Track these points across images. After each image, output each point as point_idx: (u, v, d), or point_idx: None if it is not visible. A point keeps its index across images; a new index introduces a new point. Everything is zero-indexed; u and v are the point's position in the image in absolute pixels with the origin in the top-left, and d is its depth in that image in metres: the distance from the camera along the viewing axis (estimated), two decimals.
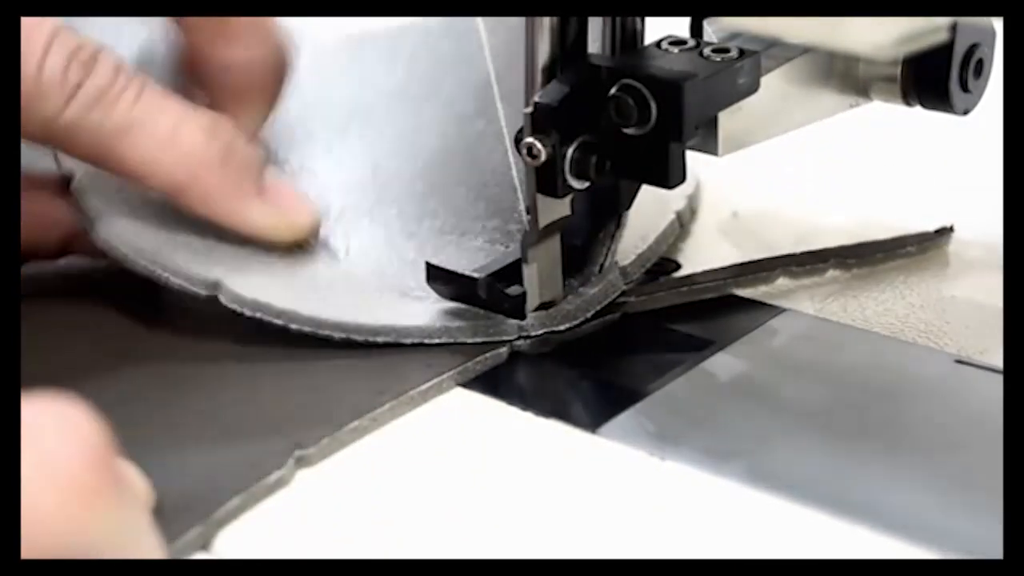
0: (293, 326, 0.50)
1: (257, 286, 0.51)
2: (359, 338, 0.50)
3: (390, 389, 0.48)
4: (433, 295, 0.52)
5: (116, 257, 0.51)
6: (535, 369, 0.51)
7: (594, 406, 0.50)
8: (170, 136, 0.50)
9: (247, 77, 0.54)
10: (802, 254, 0.56)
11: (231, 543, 0.43)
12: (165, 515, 0.41)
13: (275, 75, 0.55)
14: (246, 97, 0.55)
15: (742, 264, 0.55)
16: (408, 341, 0.51)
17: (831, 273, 0.56)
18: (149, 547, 0.37)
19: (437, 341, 0.51)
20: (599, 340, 0.53)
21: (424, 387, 0.49)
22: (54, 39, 0.48)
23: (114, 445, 0.37)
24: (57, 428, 0.36)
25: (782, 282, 0.56)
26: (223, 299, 0.50)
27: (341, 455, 0.46)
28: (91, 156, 0.50)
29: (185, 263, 0.51)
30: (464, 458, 0.47)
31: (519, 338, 0.52)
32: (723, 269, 0.55)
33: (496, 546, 0.42)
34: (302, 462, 0.46)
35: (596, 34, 0.51)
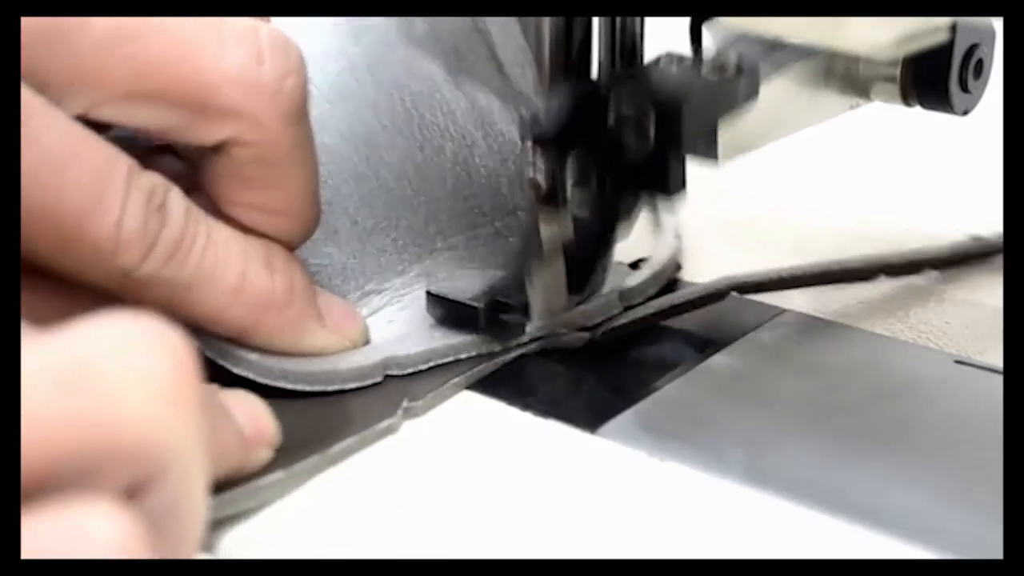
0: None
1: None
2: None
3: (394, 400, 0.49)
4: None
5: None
6: (535, 369, 0.51)
7: (593, 406, 0.49)
8: (239, 282, 0.48)
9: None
10: (901, 264, 0.55)
11: (232, 544, 0.43)
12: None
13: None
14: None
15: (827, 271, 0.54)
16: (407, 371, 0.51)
17: None
18: (202, 468, 0.36)
19: (440, 361, 0.51)
20: (598, 340, 0.53)
21: (428, 396, 0.49)
22: (131, 183, 0.46)
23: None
24: (147, 339, 0.35)
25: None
26: (397, 372, 0.51)
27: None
28: (159, 306, 0.47)
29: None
30: (463, 458, 0.47)
31: (520, 345, 0.52)
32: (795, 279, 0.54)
33: (495, 546, 0.42)
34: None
35: (598, 43, 0.51)
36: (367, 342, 0.52)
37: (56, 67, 0.44)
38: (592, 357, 0.52)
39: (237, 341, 0.49)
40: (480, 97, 0.56)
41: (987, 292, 0.54)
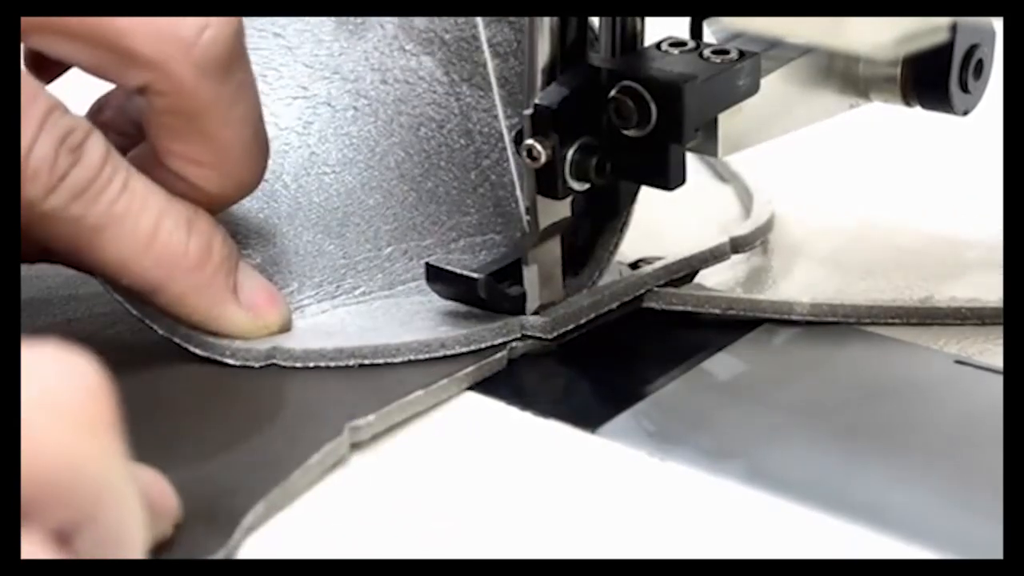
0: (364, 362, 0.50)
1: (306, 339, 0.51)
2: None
3: (394, 398, 0.48)
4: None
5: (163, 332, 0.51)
6: (534, 369, 0.51)
7: (593, 406, 0.49)
8: (150, 234, 0.49)
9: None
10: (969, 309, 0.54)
11: (234, 543, 0.43)
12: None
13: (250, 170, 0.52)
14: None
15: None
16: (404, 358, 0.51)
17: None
18: (133, 502, 0.36)
19: (438, 354, 0.51)
20: (598, 340, 0.53)
21: (423, 392, 0.49)
22: (47, 119, 0.46)
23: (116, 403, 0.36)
24: (59, 367, 0.35)
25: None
26: (282, 362, 0.50)
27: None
28: (65, 248, 0.48)
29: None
30: (463, 458, 0.47)
31: (522, 337, 0.52)
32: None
33: (496, 546, 0.42)
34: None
35: (597, 34, 0.51)
36: (287, 330, 0.52)
37: None
38: (592, 357, 0.52)
39: (147, 299, 0.50)
40: (471, 116, 0.56)
41: (987, 292, 0.54)
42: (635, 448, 0.46)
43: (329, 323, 0.53)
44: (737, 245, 0.56)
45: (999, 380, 0.49)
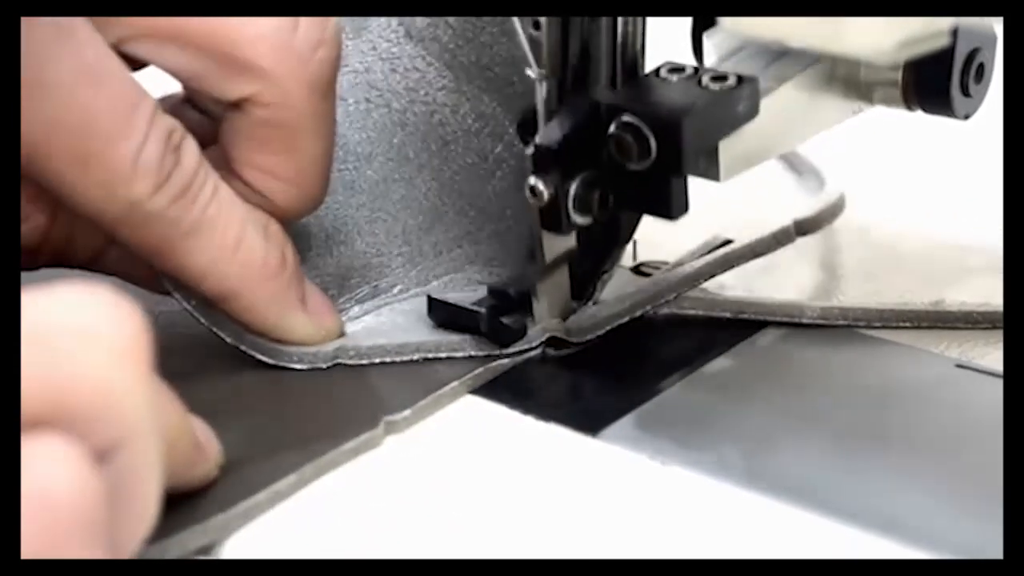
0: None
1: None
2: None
3: (399, 402, 0.49)
4: None
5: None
6: (536, 373, 0.51)
7: (594, 410, 0.49)
8: (236, 241, 0.49)
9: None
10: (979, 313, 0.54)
11: (233, 544, 0.43)
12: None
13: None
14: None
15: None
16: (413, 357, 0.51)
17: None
18: (158, 440, 0.37)
19: (445, 355, 0.51)
20: (600, 344, 0.53)
21: (432, 397, 0.49)
22: (155, 118, 0.47)
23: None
24: (101, 302, 0.36)
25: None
26: (347, 360, 0.51)
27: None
28: (155, 250, 0.48)
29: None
30: (464, 462, 0.47)
31: (529, 349, 0.52)
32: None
33: (497, 550, 0.42)
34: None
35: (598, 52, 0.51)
36: (343, 335, 0.52)
37: None
38: (593, 361, 0.52)
39: (218, 305, 0.50)
40: (483, 98, 0.56)
41: (987, 295, 0.54)
42: (636, 452, 0.46)
43: (377, 324, 0.53)
44: (802, 228, 0.56)
45: (999, 384, 0.49)
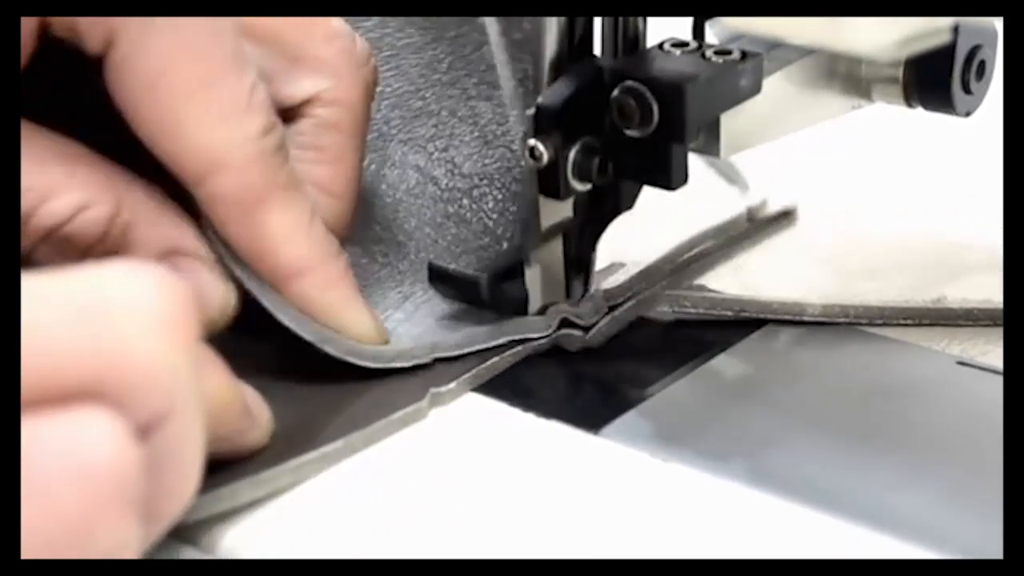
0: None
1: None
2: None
3: (401, 398, 0.49)
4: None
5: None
6: (537, 370, 0.51)
7: (596, 407, 0.50)
8: (309, 218, 0.49)
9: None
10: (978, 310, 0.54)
11: (234, 543, 0.43)
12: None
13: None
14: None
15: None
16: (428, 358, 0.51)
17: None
18: (202, 415, 0.38)
19: (457, 352, 0.51)
20: (601, 343, 0.53)
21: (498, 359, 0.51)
22: (256, 80, 0.48)
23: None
24: (151, 279, 0.37)
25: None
26: (442, 354, 0.51)
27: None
28: (250, 202, 0.48)
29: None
30: (466, 459, 0.47)
31: (541, 338, 0.52)
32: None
33: (498, 547, 0.43)
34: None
35: (601, 34, 0.51)
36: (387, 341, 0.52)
37: None
38: (594, 359, 0.52)
39: (279, 288, 0.49)
40: (482, 105, 0.56)
41: (987, 293, 0.54)
42: (638, 449, 0.46)
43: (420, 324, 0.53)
44: (753, 215, 0.57)
45: (1000, 381, 0.49)
